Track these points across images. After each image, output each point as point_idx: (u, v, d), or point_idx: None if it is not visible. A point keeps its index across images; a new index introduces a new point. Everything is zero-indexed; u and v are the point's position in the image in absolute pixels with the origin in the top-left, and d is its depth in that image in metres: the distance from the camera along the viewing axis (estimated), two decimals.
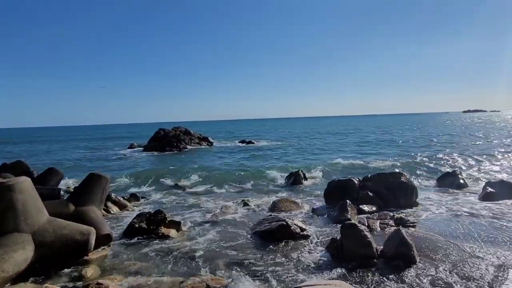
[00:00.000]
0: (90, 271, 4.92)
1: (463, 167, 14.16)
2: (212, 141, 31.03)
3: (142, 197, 10.39)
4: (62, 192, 7.30)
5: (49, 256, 5.04)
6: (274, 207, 8.61)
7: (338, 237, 5.44)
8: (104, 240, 5.98)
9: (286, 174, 13.21)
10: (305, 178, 12.57)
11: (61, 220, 5.49)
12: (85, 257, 5.36)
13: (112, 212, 8.52)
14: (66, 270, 5.00)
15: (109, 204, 8.63)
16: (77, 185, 8.49)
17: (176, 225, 6.98)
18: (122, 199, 9.41)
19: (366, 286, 4.39)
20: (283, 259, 5.37)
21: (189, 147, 27.16)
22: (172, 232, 6.68)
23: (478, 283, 4.35)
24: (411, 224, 6.77)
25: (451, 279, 4.47)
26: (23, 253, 4.69)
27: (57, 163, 19.06)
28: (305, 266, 5.08)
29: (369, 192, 8.43)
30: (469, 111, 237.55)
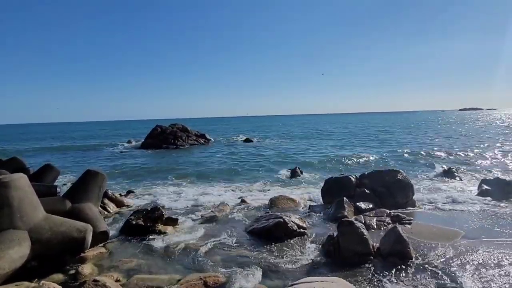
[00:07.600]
0: (87, 269, 4.90)
1: (460, 164, 14.24)
2: (210, 138, 31.01)
3: (139, 194, 10.37)
4: (58, 189, 7.27)
5: (45, 253, 5.02)
6: (271, 204, 8.62)
7: (335, 234, 5.46)
8: (101, 237, 5.96)
9: (284, 171, 13.25)
10: (302, 174, 12.62)
11: (57, 217, 5.46)
12: (82, 254, 5.34)
13: (108, 209, 8.49)
14: (62, 268, 4.99)
15: (106, 201, 8.60)
16: (73, 182, 8.43)
17: (173, 222, 6.98)
18: (119, 196, 9.39)
19: (362, 282, 4.42)
20: (280, 256, 5.38)
21: (186, 144, 27.11)
22: (169, 229, 6.67)
23: (474, 278, 4.38)
24: (408, 221, 6.81)
25: (447, 275, 4.50)
26: (19, 250, 4.66)
27: (54, 160, 18.95)
28: (301, 263, 5.09)
29: (365, 190, 8.45)
30: (465, 109, 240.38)
